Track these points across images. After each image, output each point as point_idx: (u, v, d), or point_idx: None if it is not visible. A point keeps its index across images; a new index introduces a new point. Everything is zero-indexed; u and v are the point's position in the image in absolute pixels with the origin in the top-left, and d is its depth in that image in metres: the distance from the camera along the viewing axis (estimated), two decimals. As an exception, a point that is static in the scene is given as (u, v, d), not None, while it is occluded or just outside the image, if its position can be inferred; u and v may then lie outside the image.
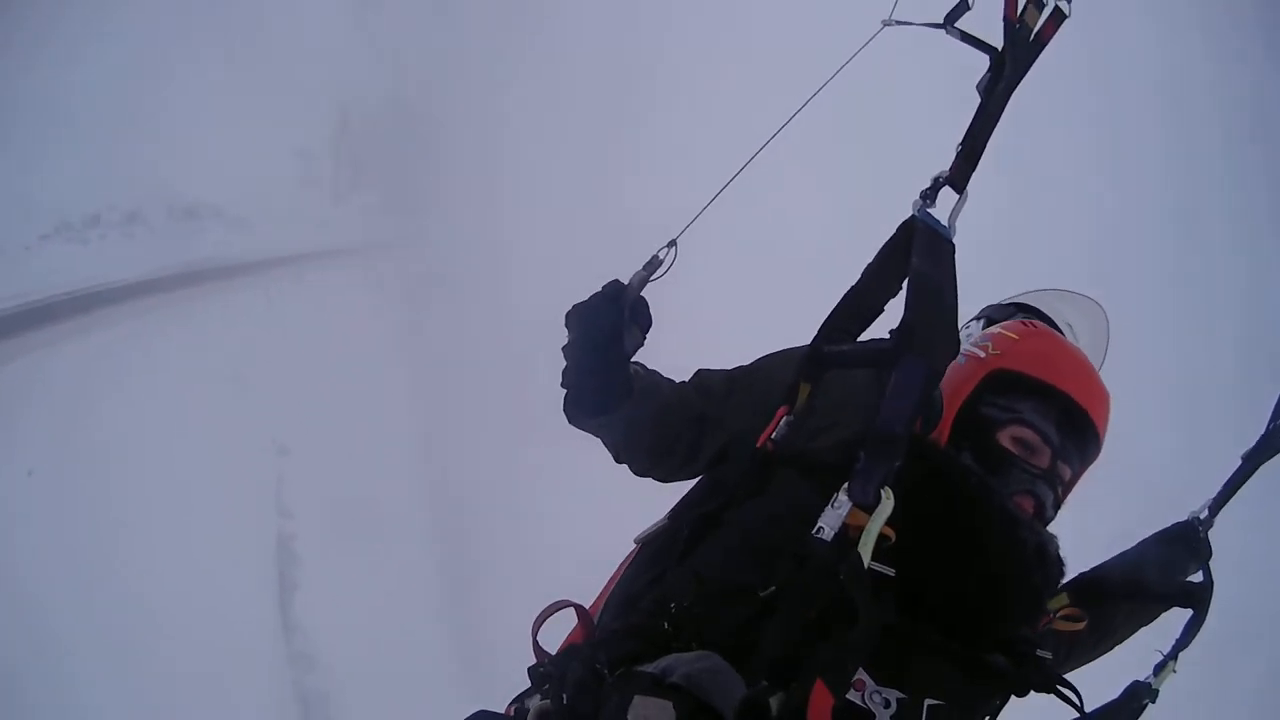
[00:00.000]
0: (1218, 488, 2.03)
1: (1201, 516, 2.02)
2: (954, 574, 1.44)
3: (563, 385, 1.75)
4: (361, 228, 15.81)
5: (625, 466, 1.92)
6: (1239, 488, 2.01)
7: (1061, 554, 1.60)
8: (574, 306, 1.72)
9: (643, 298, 1.74)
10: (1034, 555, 1.53)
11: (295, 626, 12.64)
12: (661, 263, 1.70)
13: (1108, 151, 14.59)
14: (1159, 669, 1.78)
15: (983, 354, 1.70)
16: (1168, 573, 1.97)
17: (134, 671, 8.62)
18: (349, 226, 15.55)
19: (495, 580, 14.56)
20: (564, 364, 1.74)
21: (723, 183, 1.81)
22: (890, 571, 1.38)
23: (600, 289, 1.72)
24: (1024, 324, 1.82)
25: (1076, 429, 1.68)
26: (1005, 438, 1.65)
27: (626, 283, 1.72)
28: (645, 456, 1.83)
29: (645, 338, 1.78)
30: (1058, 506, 1.71)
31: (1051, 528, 1.71)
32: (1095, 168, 14.52)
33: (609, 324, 1.68)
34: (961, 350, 1.77)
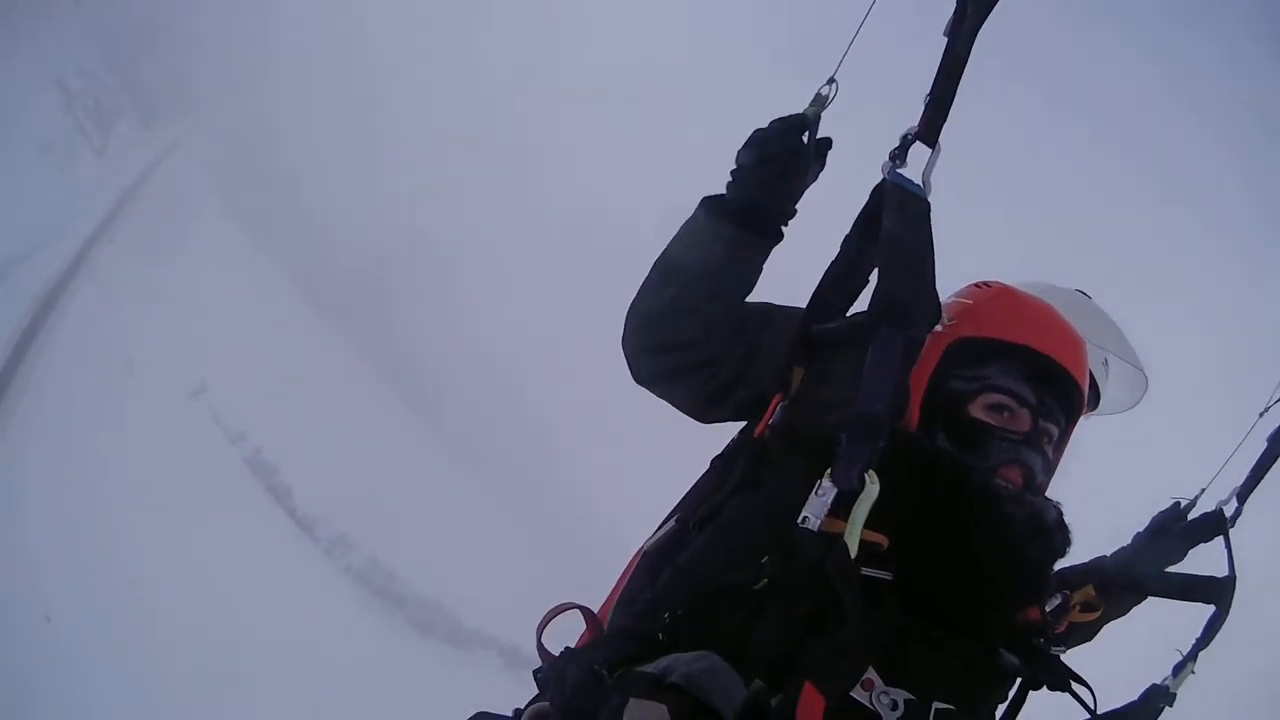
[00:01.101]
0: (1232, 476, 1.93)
1: (1228, 506, 1.90)
2: (944, 564, 1.40)
3: (728, 195, 1.68)
4: (134, 157, 15.16)
5: (649, 352, 1.75)
6: (1267, 471, 1.88)
7: (1065, 520, 1.52)
8: (753, 133, 1.68)
9: (827, 136, 1.71)
10: (1026, 528, 1.46)
11: (311, 521, 13.78)
12: (825, 98, 1.66)
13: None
14: (1178, 670, 1.66)
15: (940, 328, 1.62)
16: (1178, 555, 1.92)
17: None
18: (125, 166, 14.91)
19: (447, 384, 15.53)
20: (729, 181, 1.70)
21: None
22: (888, 575, 1.36)
23: (777, 120, 1.69)
24: (978, 286, 1.72)
25: (1053, 382, 1.60)
26: (977, 408, 1.58)
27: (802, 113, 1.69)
28: (691, 347, 1.69)
29: (820, 172, 1.73)
30: (1050, 470, 1.64)
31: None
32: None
33: (795, 145, 1.65)
34: None
